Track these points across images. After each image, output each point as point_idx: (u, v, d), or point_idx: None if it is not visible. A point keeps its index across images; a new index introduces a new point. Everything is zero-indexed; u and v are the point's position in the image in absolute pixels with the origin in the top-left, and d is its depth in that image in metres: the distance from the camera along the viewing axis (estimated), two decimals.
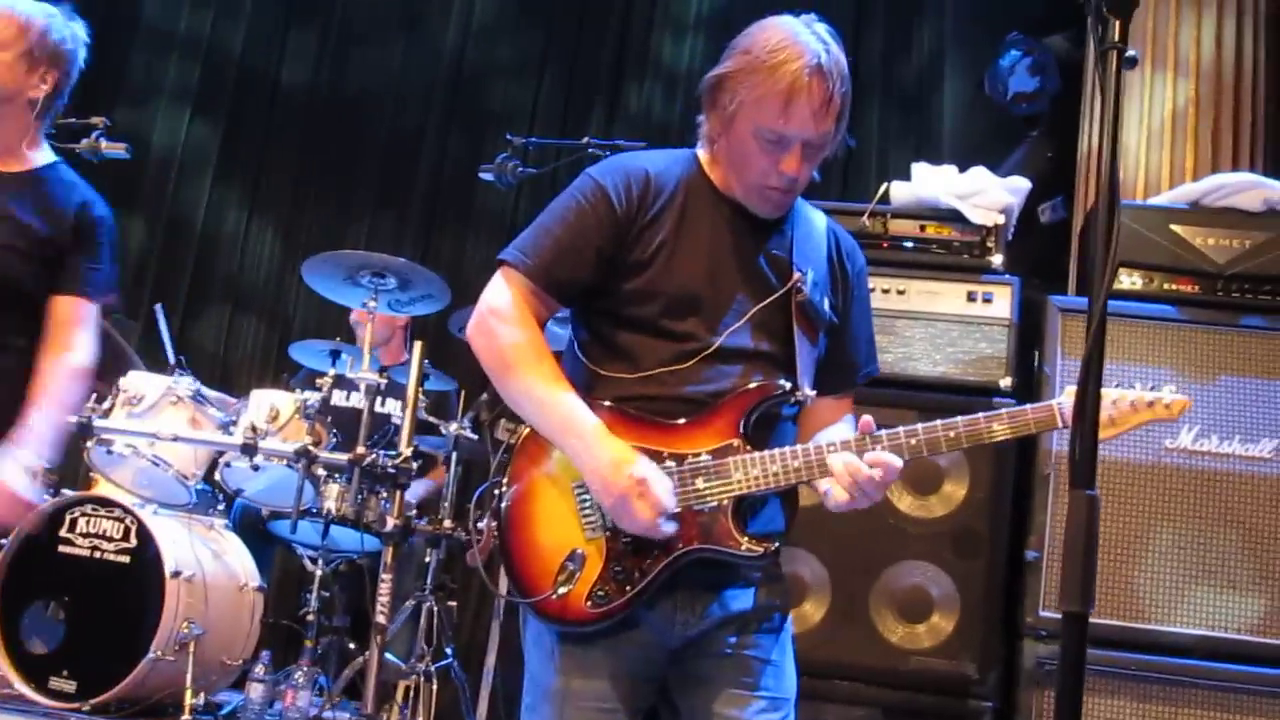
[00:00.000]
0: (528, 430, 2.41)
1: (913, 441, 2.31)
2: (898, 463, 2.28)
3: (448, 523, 4.66)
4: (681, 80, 7.50)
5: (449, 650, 4.75)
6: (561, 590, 2.29)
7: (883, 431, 2.31)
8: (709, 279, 2.40)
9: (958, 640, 3.58)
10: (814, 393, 2.44)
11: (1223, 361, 3.66)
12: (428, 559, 4.81)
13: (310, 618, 4.54)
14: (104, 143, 5.00)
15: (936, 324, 3.80)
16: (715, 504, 2.31)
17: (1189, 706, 3.46)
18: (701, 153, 2.51)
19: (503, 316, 2.37)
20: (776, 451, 2.33)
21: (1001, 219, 3.85)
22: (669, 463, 2.32)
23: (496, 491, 2.40)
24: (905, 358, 3.79)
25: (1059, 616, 3.45)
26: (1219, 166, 4.74)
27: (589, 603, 2.30)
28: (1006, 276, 3.83)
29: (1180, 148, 4.81)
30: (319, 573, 4.63)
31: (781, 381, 2.38)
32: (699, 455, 2.32)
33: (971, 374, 3.76)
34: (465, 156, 7.56)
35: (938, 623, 3.62)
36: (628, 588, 2.30)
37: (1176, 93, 4.85)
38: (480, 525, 2.43)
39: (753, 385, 2.37)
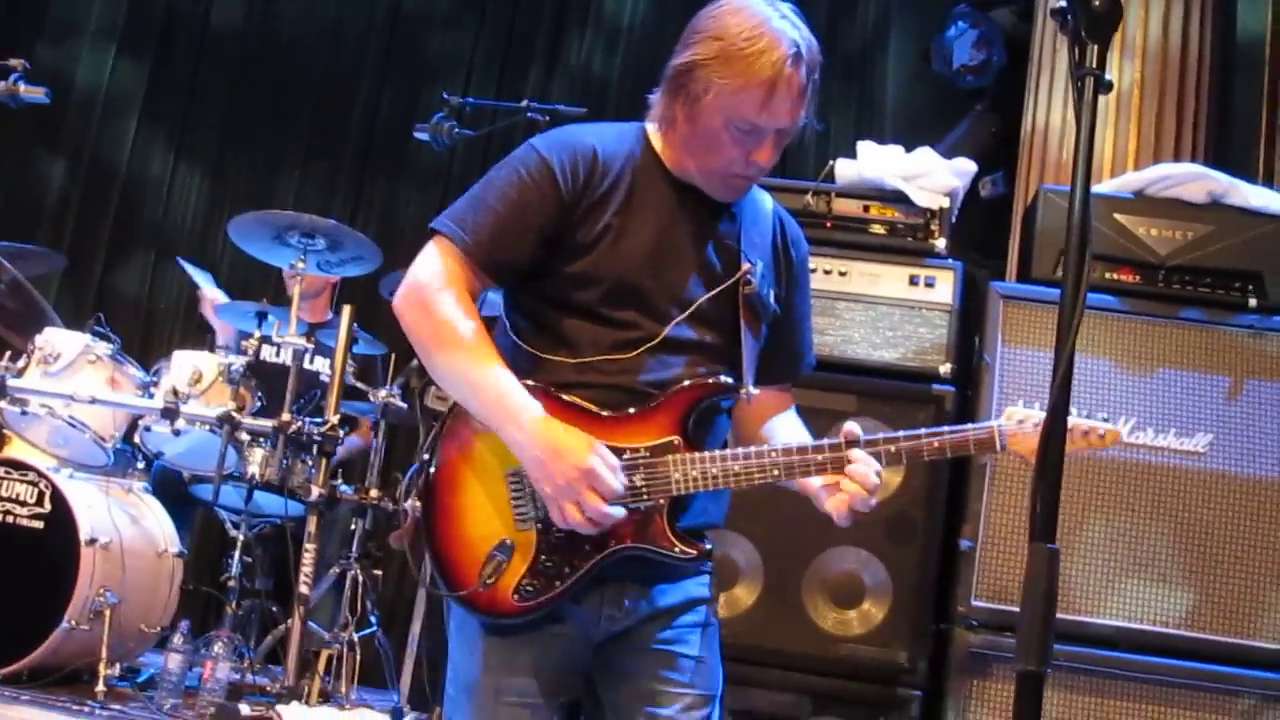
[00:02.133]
0: (458, 409, 2.31)
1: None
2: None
3: (374, 492, 4.57)
4: (623, 36, 7.39)
5: (373, 618, 4.68)
6: (489, 582, 2.22)
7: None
8: (654, 266, 2.31)
9: (889, 628, 3.56)
10: (757, 391, 2.39)
11: (1161, 354, 3.64)
12: (353, 527, 4.73)
13: (232, 584, 4.44)
14: (23, 86, 4.79)
15: (877, 307, 3.75)
16: (651, 503, 2.24)
17: (1117, 699, 3.46)
18: (652, 130, 2.40)
19: (434, 291, 2.25)
20: (718, 453, 2.27)
21: (946, 202, 3.80)
22: None
23: (424, 475, 2.31)
24: (844, 341, 3.74)
25: (991, 606, 3.51)
26: (1162, 150, 4.73)
27: (516, 596, 2.22)
28: (950, 261, 3.78)
29: (1124, 129, 4.79)
30: (241, 538, 4.52)
31: (726, 378, 2.32)
32: (638, 451, 2.24)
33: (911, 359, 3.71)
34: (400, 107, 7.42)
35: (869, 610, 3.59)
36: (556, 583, 2.23)
37: (1122, 74, 4.82)
38: (407, 506, 2.34)
39: (697, 381, 2.29)
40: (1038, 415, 2.27)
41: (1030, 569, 1.45)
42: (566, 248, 2.30)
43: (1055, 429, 1.48)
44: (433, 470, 2.29)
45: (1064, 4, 1.60)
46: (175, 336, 7.14)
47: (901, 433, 2.29)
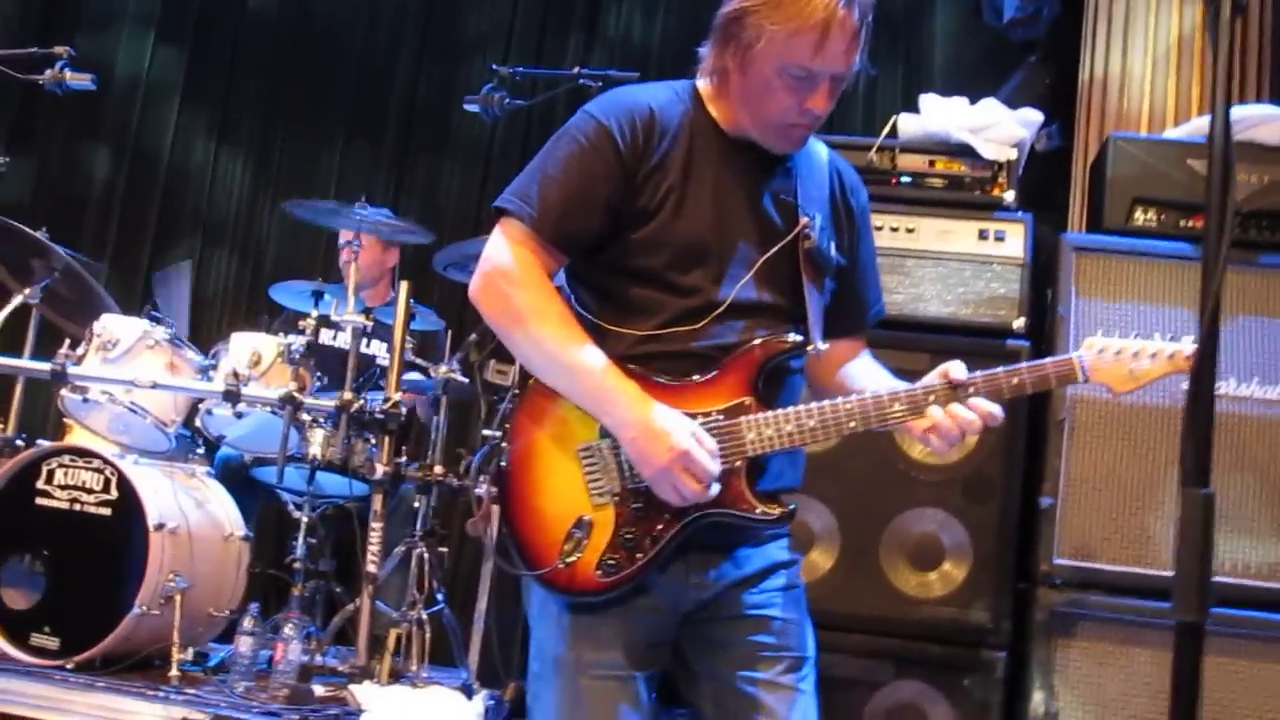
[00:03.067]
0: (526, 390, 2.28)
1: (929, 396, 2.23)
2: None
3: (438, 468, 4.53)
4: (661, 1, 7.29)
5: (440, 596, 4.65)
6: (569, 560, 2.19)
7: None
8: (717, 227, 2.28)
9: (970, 588, 3.50)
10: (826, 346, 2.35)
11: (1241, 302, 3.54)
12: (416, 504, 4.69)
13: (297, 565, 4.42)
14: (69, 74, 4.78)
15: (947, 263, 3.68)
16: (728, 466, 2.19)
17: (1205, 653, 3.38)
18: (702, 86, 2.36)
19: (513, 277, 2.22)
20: (791, 411, 2.23)
21: (1014, 153, 3.72)
22: None
23: (496, 457, 2.28)
24: (915, 298, 3.67)
25: (1074, 564, 3.44)
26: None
27: (599, 572, 2.19)
28: (1019, 214, 3.70)
29: (1186, 74, 4.68)
30: (305, 519, 4.50)
31: (793, 336, 2.28)
32: (710, 415, 2.21)
33: (984, 315, 3.64)
34: (439, 82, 7.38)
35: (949, 571, 3.53)
36: (638, 555, 2.19)
37: (1183, 18, 4.70)
38: (481, 493, 2.31)
39: (763, 341, 2.26)
40: (1118, 344, 2.26)
41: (1185, 517, 1.38)
42: (631, 213, 2.26)
43: (1204, 370, 1.42)
44: (505, 451, 2.26)
45: None
46: (224, 321, 7.14)
47: (980, 373, 2.24)
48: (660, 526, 2.19)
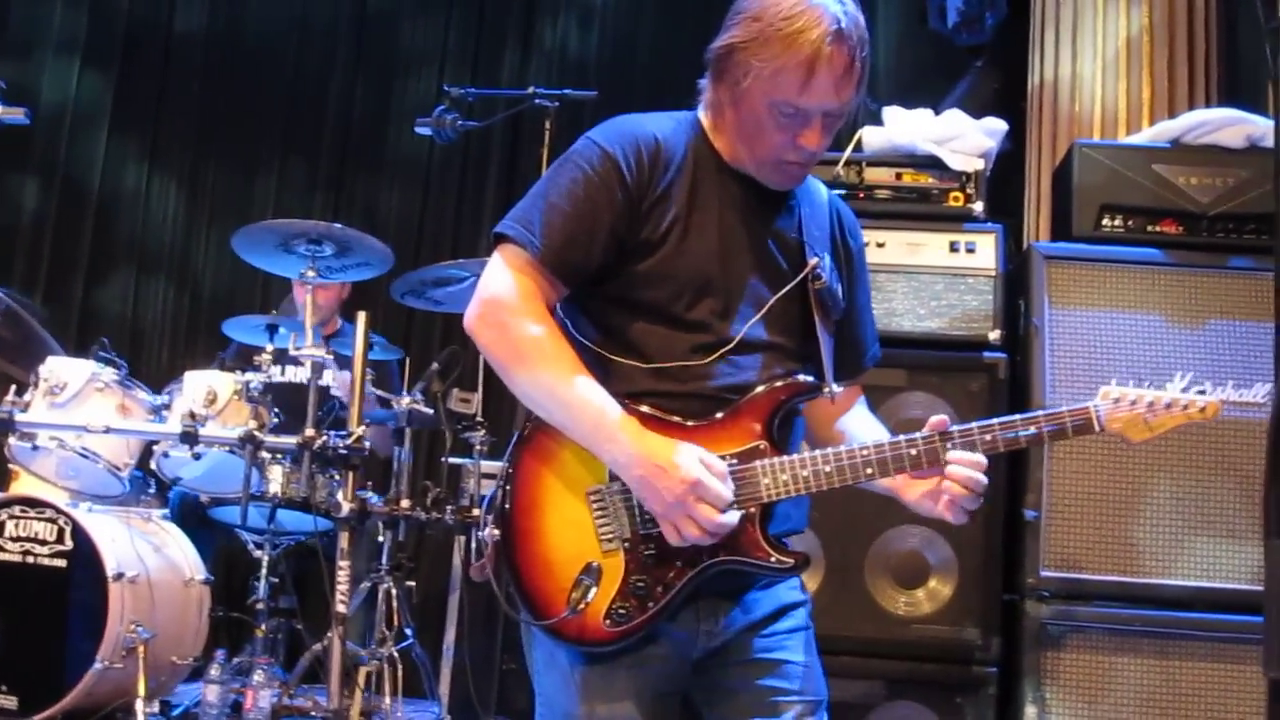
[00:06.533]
0: (530, 429, 2.19)
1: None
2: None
3: (405, 502, 4.42)
4: (596, 13, 7.23)
5: (409, 631, 4.55)
6: (578, 608, 2.09)
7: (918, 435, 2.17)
8: (722, 261, 2.21)
9: (958, 605, 3.48)
10: (840, 389, 2.29)
11: (1211, 305, 3.56)
12: (381, 538, 4.58)
13: (260, 606, 4.30)
14: (1, 107, 4.62)
15: (919, 277, 3.65)
16: (742, 512, 2.12)
17: (1195, 660, 3.39)
18: (704, 118, 2.29)
19: (512, 308, 2.13)
20: (807, 455, 2.15)
21: (981, 164, 3.71)
22: None
23: (500, 500, 2.19)
24: (888, 314, 3.62)
25: (1061, 576, 3.42)
26: (1175, 96, 4.64)
27: (607, 621, 2.10)
28: (989, 224, 3.69)
29: (1136, 78, 4.69)
30: (266, 558, 4.38)
31: (806, 377, 2.21)
32: (724, 459, 2.12)
33: (959, 328, 3.62)
34: (374, 102, 7.30)
35: (936, 588, 3.50)
36: (649, 604, 2.10)
37: (1130, 21, 4.72)
38: (485, 535, 2.21)
39: (780, 383, 2.19)
40: (1134, 393, 2.19)
41: (1271, 569, 1.34)
42: (634, 245, 2.19)
43: None
44: (509, 495, 2.17)
45: None
46: (164, 353, 6.98)
47: (996, 419, 2.17)
48: (672, 574, 2.11)
